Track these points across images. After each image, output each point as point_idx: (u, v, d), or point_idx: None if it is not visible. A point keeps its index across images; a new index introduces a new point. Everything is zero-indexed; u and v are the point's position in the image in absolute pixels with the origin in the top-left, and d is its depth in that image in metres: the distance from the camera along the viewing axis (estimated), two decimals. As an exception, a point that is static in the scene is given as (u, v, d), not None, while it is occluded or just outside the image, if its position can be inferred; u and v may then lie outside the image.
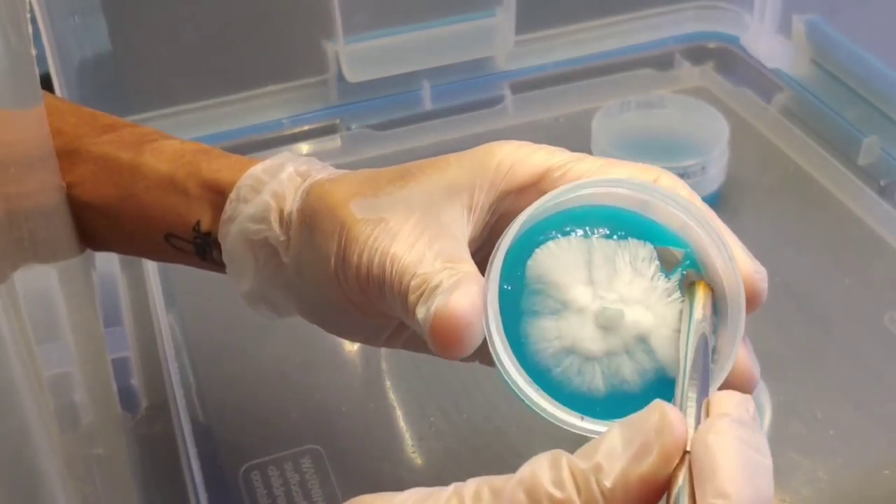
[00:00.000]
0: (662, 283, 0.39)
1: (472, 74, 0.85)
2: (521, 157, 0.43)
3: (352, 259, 0.42)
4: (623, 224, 0.40)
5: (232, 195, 0.47)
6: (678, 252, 0.39)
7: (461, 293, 0.37)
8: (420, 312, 0.38)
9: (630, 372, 0.38)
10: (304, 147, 0.82)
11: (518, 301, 0.38)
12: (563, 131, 0.84)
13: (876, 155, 0.76)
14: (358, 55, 0.81)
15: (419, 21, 0.82)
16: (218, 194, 0.48)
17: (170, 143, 0.50)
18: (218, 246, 0.48)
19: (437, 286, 0.38)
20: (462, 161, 0.43)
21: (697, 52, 0.89)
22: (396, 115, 0.83)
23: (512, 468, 0.60)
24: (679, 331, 0.38)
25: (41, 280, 0.39)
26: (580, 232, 0.39)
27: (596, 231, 0.39)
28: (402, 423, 0.61)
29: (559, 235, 0.39)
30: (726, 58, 0.89)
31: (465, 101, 0.84)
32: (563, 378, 0.38)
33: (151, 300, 0.67)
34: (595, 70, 0.87)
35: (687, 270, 0.39)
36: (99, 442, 0.45)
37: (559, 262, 0.39)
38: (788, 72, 0.83)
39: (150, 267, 0.69)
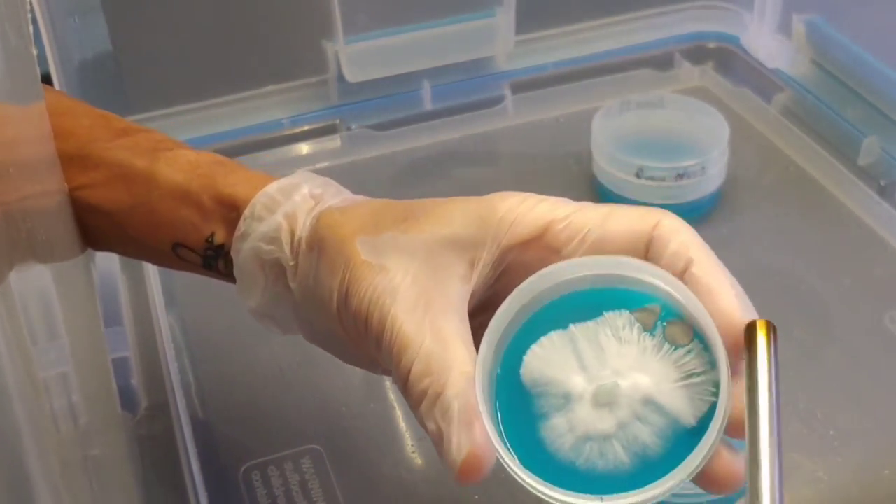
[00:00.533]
0: (649, 342, 0.40)
1: (472, 74, 0.85)
2: (524, 211, 0.43)
3: (352, 301, 0.42)
4: (594, 303, 0.41)
5: (246, 212, 0.47)
6: (654, 307, 0.40)
7: (480, 433, 0.38)
8: (430, 425, 0.40)
9: (648, 435, 0.39)
10: (304, 147, 0.82)
11: (527, 410, 0.40)
12: (563, 131, 0.84)
13: (876, 155, 0.76)
14: (358, 55, 0.81)
15: (419, 21, 0.82)
16: (232, 209, 0.48)
17: (185, 153, 0.50)
18: (226, 257, 0.48)
19: (441, 390, 0.39)
20: (466, 213, 0.43)
21: (697, 52, 0.89)
22: (396, 115, 0.83)
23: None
24: (679, 381, 0.39)
25: (38, 280, 0.39)
26: (557, 326, 0.41)
27: (569, 319, 0.41)
28: (402, 423, 0.61)
29: (540, 338, 0.40)
30: (726, 58, 0.89)
31: (465, 101, 0.84)
32: (590, 465, 0.39)
33: (151, 300, 0.67)
34: (595, 70, 0.87)
35: (667, 321, 0.40)
36: (98, 442, 0.45)
37: (547, 361, 0.40)
38: (788, 72, 0.83)
39: (151, 267, 0.69)
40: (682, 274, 0.40)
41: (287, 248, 0.46)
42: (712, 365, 0.39)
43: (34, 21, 0.59)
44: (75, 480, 0.37)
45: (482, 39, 0.84)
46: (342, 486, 0.57)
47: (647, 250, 0.41)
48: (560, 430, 0.39)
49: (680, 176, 0.72)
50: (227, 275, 0.49)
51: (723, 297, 0.40)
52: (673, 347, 0.40)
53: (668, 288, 0.40)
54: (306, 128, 0.82)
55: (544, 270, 0.41)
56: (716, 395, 0.39)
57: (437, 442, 0.40)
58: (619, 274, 0.40)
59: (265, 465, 0.58)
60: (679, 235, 0.41)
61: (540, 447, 0.39)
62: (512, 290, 0.41)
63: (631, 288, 0.41)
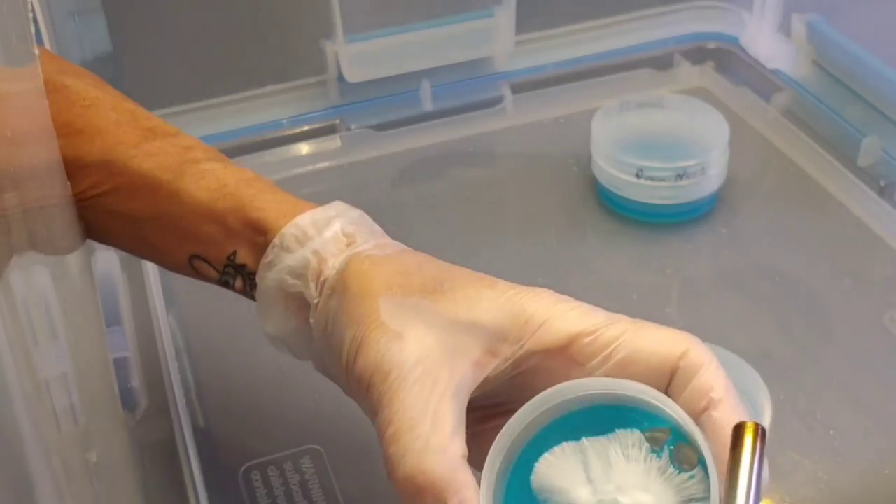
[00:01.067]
0: (655, 462, 0.41)
1: (472, 74, 0.85)
2: (554, 316, 0.42)
3: (360, 361, 0.43)
4: (608, 419, 0.42)
5: (276, 240, 0.46)
6: (664, 430, 0.41)
7: None
8: None
9: None
10: (304, 147, 0.82)
11: None
12: (563, 131, 0.84)
13: (876, 155, 0.76)
14: (358, 55, 0.81)
15: (419, 21, 0.82)
16: (259, 233, 0.47)
17: (213, 170, 0.49)
18: (245, 277, 0.48)
19: (441, 497, 0.39)
20: (495, 303, 0.43)
21: (697, 52, 0.89)
22: (396, 115, 0.83)
23: (512, 468, 0.60)
24: (683, 501, 0.40)
25: (39, 280, 0.39)
26: (570, 437, 0.42)
27: (582, 432, 0.42)
28: (402, 423, 0.61)
29: (553, 447, 0.42)
30: (726, 58, 0.89)
31: (465, 101, 0.84)
32: None
33: (151, 300, 0.67)
34: (595, 70, 0.87)
35: (674, 445, 0.41)
36: (99, 442, 0.45)
37: (558, 470, 0.41)
38: (788, 72, 0.83)
39: (151, 267, 0.69)
40: (702, 412, 0.41)
41: (312, 286, 0.46)
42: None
43: (34, 21, 0.59)
44: (76, 480, 0.37)
45: (482, 39, 0.84)
46: (342, 486, 0.57)
47: (670, 377, 0.42)
48: None
49: (680, 176, 0.72)
50: (243, 292, 0.49)
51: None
52: (677, 471, 0.41)
53: (677, 417, 0.40)
54: (306, 128, 0.82)
55: (564, 384, 0.42)
56: None
57: None
58: (634, 396, 0.41)
59: (265, 465, 0.58)
60: (704, 372, 0.41)
61: None
62: (527, 389, 0.42)
63: (645, 409, 0.41)
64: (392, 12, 0.81)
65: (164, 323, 0.66)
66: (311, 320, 0.46)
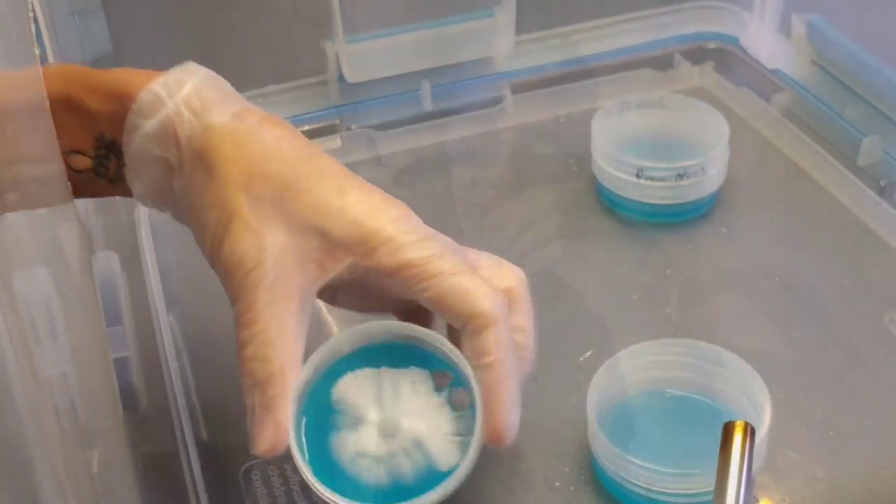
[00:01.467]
0: (435, 399, 0.49)
1: (472, 74, 0.85)
2: (388, 240, 0.47)
3: (224, 250, 0.46)
4: (406, 356, 0.50)
5: (134, 106, 0.48)
6: (448, 374, 0.50)
7: (284, 431, 0.47)
8: (248, 400, 0.48)
9: (407, 467, 0.48)
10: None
11: (327, 420, 0.50)
12: (563, 131, 0.84)
13: (876, 155, 0.76)
14: (358, 55, 0.81)
15: (419, 21, 0.82)
16: (116, 101, 0.49)
17: (51, 68, 0.51)
18: (117, 155, 0.49)
19: (266, 380, 0.47)
20: (341, 214, 0.47)
21: (697, 52, 0.89)
22: (396, 115, 0.83)
23: (510, 468, 0.61)
24: (447, 435, 0.49)
25: (39, 280, 0.39)
26: (372, 364, 0.50)
27: (384, 363, 0.50)
28: (402, 423, 0.61)
29: (356, 369, 0.50)
30: (726, 58, 0.89)
31: (465, 101, 0.84)
32: (358, 474, 0.49)
33: (151, 300, 0.67)
34: (595, 70, 0.87)
35: (454, 388, 0.50)
36: (99, 442, 0.45)
37: (354, 388, 0.50)
38: (788, 72, 0.83)
39: (150, 267, 0.69)
40: (475, 369, 0.48)
41: (172, 151, 0.48)
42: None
43: (35, 21, 0.59)
44: (77, 479, 0.37)
45: (482, 39, 0.84)
46: (342, 486, 0.57)
47: (463, 326, 0.48)
48: (346, 444, 0.49)
49: (680, 176, 0.72)
50: (118, 179, 0.50)
51: (497, 409, 0.47)
52: (452, 408, 0.49)
53: (460, 366, 0.48)
54: (306, 128, 0.82)
55: (374, 323, 0.50)
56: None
57: (248, 413, 0.48)
58: (430, 342, 0.49)
59: (265, 465, 0.58)
60: (485, 336, 0.47)
61: (328, 451, 0.49)
62: (367, 290, 0.49)
63: (437, 355, 0.50)
64: (392, 12, 0.81)
65: (164, 323, 0.66)
66: (175, 183, 0.48)
